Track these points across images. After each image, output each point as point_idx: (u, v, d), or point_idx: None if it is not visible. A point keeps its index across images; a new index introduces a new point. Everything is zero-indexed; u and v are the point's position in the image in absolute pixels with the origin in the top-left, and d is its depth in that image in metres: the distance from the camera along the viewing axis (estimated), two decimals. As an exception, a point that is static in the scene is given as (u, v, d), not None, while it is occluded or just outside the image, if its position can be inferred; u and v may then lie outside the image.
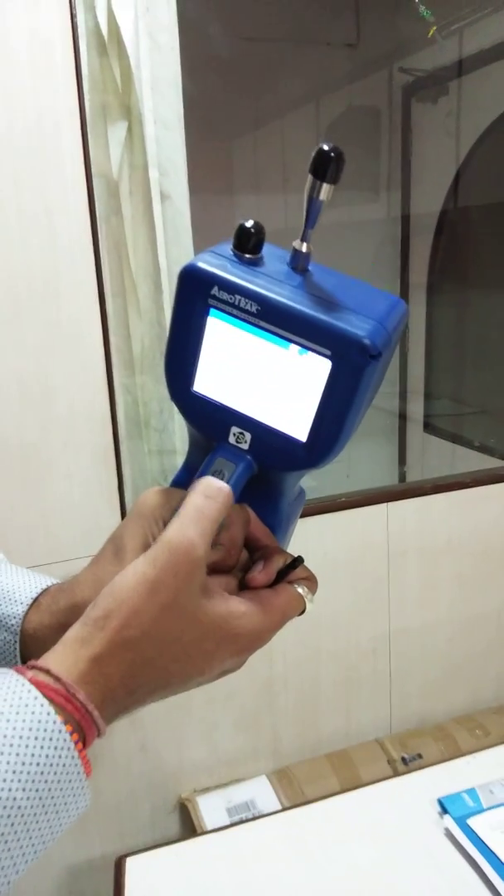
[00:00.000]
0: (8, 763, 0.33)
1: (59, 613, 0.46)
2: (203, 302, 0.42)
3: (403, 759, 1.38)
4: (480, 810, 0.99)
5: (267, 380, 0.43)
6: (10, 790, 0.33)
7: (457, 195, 1.96)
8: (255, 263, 0.44)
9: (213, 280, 0.42)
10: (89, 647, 0.37)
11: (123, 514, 1.17)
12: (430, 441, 2.15)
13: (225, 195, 2.05)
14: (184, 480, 0.47)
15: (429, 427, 2.17)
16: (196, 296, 0.42)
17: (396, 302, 0.45)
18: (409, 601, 1.45)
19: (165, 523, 0.45)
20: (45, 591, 0.49)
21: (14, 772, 0.33)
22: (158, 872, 0.96)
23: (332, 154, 0.40)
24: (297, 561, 0.46)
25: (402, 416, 2.23)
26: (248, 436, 0.44)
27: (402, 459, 2.25)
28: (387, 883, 0.91)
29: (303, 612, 0.45)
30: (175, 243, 1.09)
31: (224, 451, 0.45)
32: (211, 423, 0.45)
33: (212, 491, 0.41)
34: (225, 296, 0.42)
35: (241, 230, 0.43)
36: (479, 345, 2.05)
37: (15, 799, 0.33)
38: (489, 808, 0.99)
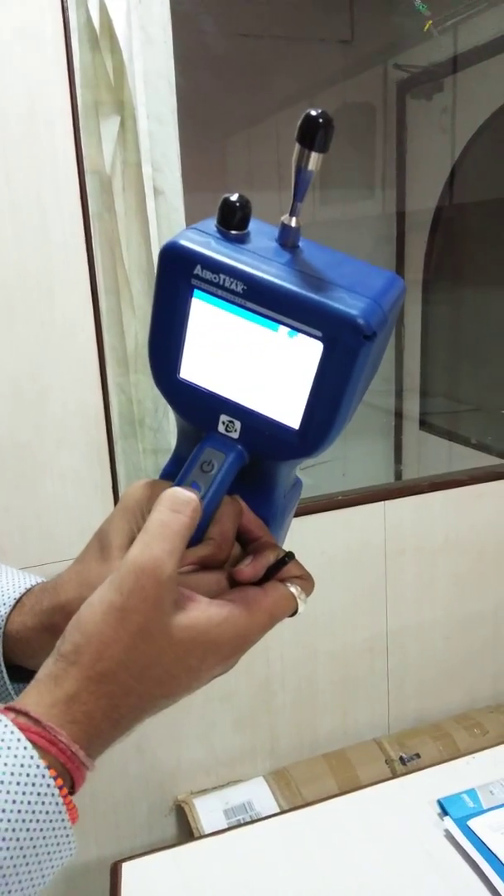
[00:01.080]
0: None
1: (42, 614, 0.45)
2: (186, 282, 0.40)
3: (402, 759, 1.37)
4: (481, 811, 0.98)
5: (256, 364, 0.40)
6: None
7: (452, 192, 1.95)
8: (242, 240, 0.41)
9: (195, 258, 0.39)
10: (63, 685, 0.35)
11: (118, 513, 1.16)
12: (427, 439, 2.14)
13: (219, 192, 2.03)
14: (173, 472, 0.44)
15: (425, 425, 2.17)
16: (178, 276, 0.40)
17: (393, 278, 0.42)
18: (406, 600, 1.45)
19: None
20: (28, 592, 0.47)
21: None
22: (155, 877, 0.95)
23: (321, 120, 0.37)
24: (288, 556, 0.43)
25: (398, 414, 2.23)
26: (237, 424, 0.42)
27: (398, 457, 2.25)
28: (387, 886, 0.90)
29: (294, 613, 0.43)
30: (169, 239, 1.08)
31: (213, 440, 0.43)
32: (199, 412, 0.43)
33: (178, 503, 0.39)
34: (209, 275, 0.39)
35: (226, 204, 0.41)
36: (475, 342, 2.05)
37: None
38: (489, 809, 0.98)
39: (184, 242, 0.40)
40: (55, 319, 1.07)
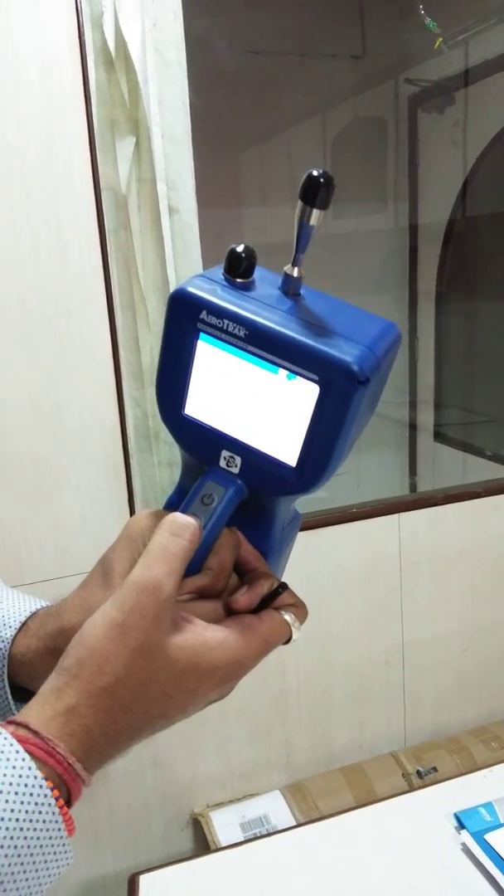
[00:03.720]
0: None
1: (46, 638, 0.46)
2: (192, 326, 0.42)
3: (419, 773, 1.36)
4: (498, 825, 0.98)
5: (257, 404, 0.43)
6: None
7: (464, 204, 1.96)
8: (246, 288, 0.44)
9: (201, 304, 0.42)
10: (64, 698, 0.36)
11: (134, 526, 1.17)
12: (441, 450, 2.14)
13: (233, 208, 2.06)
14: (176, 503, 0.46)
15: (439, 436, 2.16)
16: (185, 320, 0.42)
17: (388, 327, 0.45)
18: (421, 612, 1.44)
19: None
20: (33, 615, 0.49)
21: None
22: (172, 889, 0.95)
23: (322, 180, 0.39)
24: (281, 587, 0.45)
25: (413, 426, 2.23)
26: (238, 460, 0.44)
27: (412, 469, 2.24)
28: (403, 900, 0.89)
29: (289, 640, 0.44)
30: (183, 256, 1.09)
31: (214, 474, 0.45)
32: (201, 447, 0.45)
33: (178, 528, 0.41)
34: (214, 320, 0.42)
35: (232, 255, 0.43)
36: (489, 353, 2.04)
37: None
38: (506, 823, 0.98)
39: (191, 289, 0.42)
40: (72, 335, 1.09)
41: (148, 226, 1.08)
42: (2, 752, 0.34)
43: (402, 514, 1.38)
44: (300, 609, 0.45)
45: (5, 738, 0.35)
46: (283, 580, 0.46)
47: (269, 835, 1.07)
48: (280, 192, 2.05)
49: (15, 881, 0.33)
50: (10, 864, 0.33)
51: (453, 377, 2.13)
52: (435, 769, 1.37)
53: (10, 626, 0.47)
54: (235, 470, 0.44)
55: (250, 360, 0.42)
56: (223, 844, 1.21)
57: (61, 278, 1.06)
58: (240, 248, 0.43)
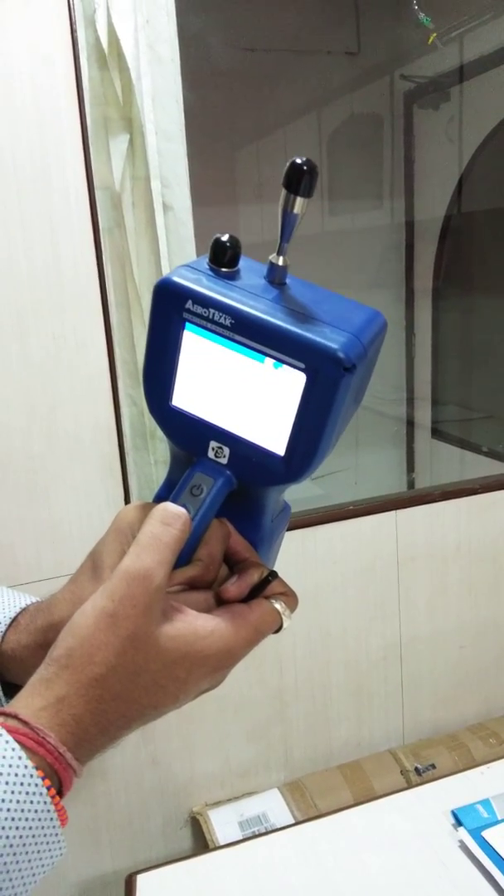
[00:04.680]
0: None
1: (36, 633, 0.46)
2: (178, 316, 0.42)
3: (417, 770, 1.36)
4: (495, 822, 0.98)
5: (244, 394, 0.43)
6: None
7: (460, 200, 1.96)
8: (232, 277, 0.43)
9: (187, 294, 0.42)
10: (54, 687, 0.36)
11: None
12: (439, 447, 2.14)
13: (228, 205, 2.06)
14: (165, 496, 0.46)
15: (437, 433, 2.16)
16: (171, 310, 0.42)
17: (374, 314, 0.45)
18: (419, 609, 1.44)
19: None
20: (23, 610, 0.49)
21: None
22: (170, 888, 0.95)
23: (305, 167, 0.39)
24: (271, 575, 0.45)
25: (410, 423, 2.23)
26: (226, 450, 0.44)
27: (410, 466, 2.24)
28: (402, 897, 0.90)
29: (280, 629, 0.44)
30: (178, 254, 1.09)
31: (203, 465, 0.44)
32: (190, 438, 0.45)
33: (168, 517, 0.41)
34: (199, 309, 0.42)
35: (217, 244, 0.43)
36: (486, 349, 2.04)
37: None
38: (504, 820, 0.98)
39: (176, 279, 0.42)
40: (66, 333, 1.08)
41: (142, 223, 1.08)
42: None
43: (400, 511, 1.37)
44: (290, 598, 0.45)
45: None
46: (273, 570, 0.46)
47: (267, 833, 1.07)
48: (275, 190, 2.02)
49: (7, 871, 0.33)
50: (2, 854, 0.32)
51: (450, 374, 2.13)
52: (433, 766, 1.37)
53: (1, 622, 0.47)
54: (224, 461, 0.44)
55: (236, 350, 0.42)
56: (221, 843, 1.21)
57: (55, 276, 1.06)
58: (224, 238, 0.43)
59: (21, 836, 0.33)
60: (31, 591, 1.23)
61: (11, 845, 0.33)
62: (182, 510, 0.41)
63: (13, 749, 0.34)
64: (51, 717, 0.36)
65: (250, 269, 0.45)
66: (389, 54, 1.98)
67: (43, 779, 0.34)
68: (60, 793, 0.36)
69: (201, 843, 1.29)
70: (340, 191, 2.09)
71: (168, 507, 0.41)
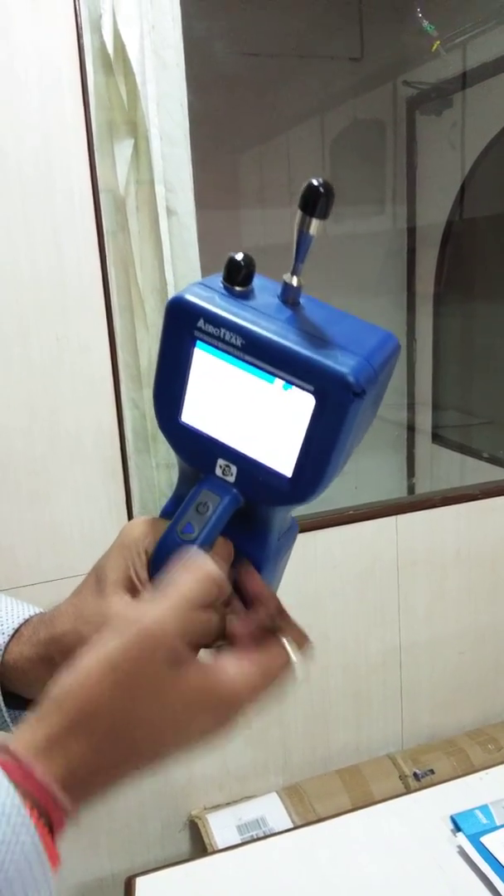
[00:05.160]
0: None
1: (38, 645, 0.45)
2: (190, 334, 0.42)
3: (415, 775, 1.36)
4: (494, 827, 0.98)
5: (253, 413, 0.42)
6: None
7: (462, 206, 1.96)
8: (245, 296, 0.43)
9: (199, 313, 0.42)
10: (46, 725, 0.36)
11: (131, 528, 1.17)
12: (439, 452, 2.14)
13: (231, 210, 2.06)
14: (172, 511, 0.46)
15: (437, 438, 2.16)
16: (183, 328, 0.42)
17: (386, 337, 0.44)
18: (418, 614, 1.44)
19: (148, 555, 0.44)
20: (26, 622, 0.48)
21: None
22: (169, 892, 0.95)
23: (322, 189, 0.39)
24: (281, 618, 0.43)
25: (410, 428, 2.23)
26: (234, 468, 0.44)
27: (410, 471, 2.25)
28: (400, 902, 0.90)
29: (292, 673, 0.42)
30: (181, 258, 1.09)
31: (210, 483, 0.44)
32: (198, 454, 0.45)
33: (205, 578, 0.40)
34: (211, 328, 0.42)
35: (231, 263, 0.43)
36: (487, 355, 2.05)
37: None
38: (503, 826, 0.98)
39: (189, 297, 0.42)
40: (70, 337, 1.09)
41: (146, 227, 1.08)
42: None
43: (400, 516, 1.38)
44: (298, 633, 0.43)
45: None
46: (279, 593, 0.46)
47: (265, 837, 1.07)
48: (278, 194, 2.05)
49: None
50: None
51: (451, 379, 2.13)
52: (432, 771, 1.37)
53: (3, 633, 0.47)
54: (231, 479, 0.44)
55: (247, 370, 0.42)
56: (220, 847, 1.21)
57: (59, 279, 1.06)
58: (239, 257, 0.43)
59: (19, 869, 0.32)
60: (32, 593, 1.23)
61: (8, 877, 0.32)
62: (221, 576, 0.41)
63: (0, 781, 0.33)
64: (39, 751, 0.35)
65: (264, 288, 0.44)
66: (392, 60, 1.99)
67: (31, 809, 0.33)
68: (51, 832, 0.35)
69: (200, 846, 1.29)
70: (342, 196, 2.08)
71: (209, 568, 0.40)
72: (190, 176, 1.08)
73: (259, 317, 0.42)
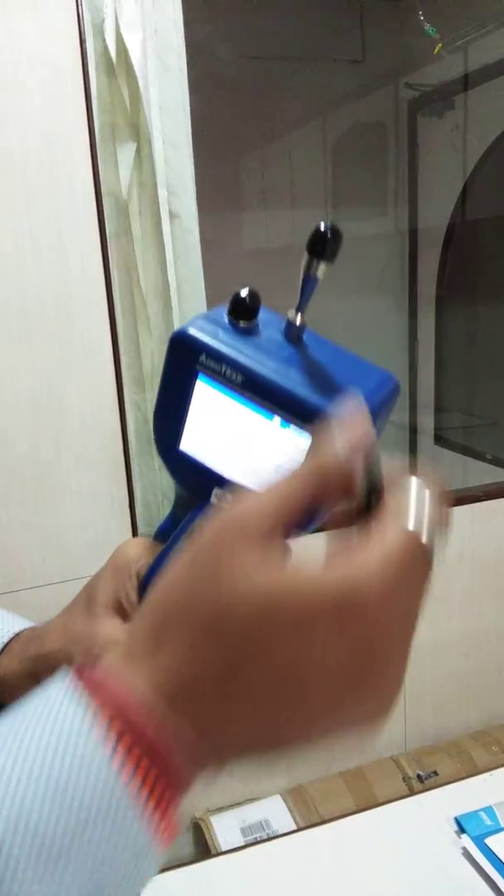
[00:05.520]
0: (33, 781, 0.24)
1: (27, 661, 0.45)
2: (192, 367, 0.43)
3: (419, 777, 1.36)
4: (498, 829, 0.98)
5: (250, 447, 0.43)
6: (35, 816, 0.24)
7: (464, 208, 1.97)
8: (249, 331, 0.44)
9: (201, 348, 0.42)
10: (125, 645, 0.29)
11: (134, 530, 1.17)
12: (442, 454, 2.14)
13: (233, 213, 2.07)
14: (168, 530, 0.47)
15: (440, 440, 2.16)
16: (185, 360, 0.43)
17: (385, 378, 0.45)
18: (422, 616, 1.44)
19: (140, 578, 0.44)
20: (16, 637, 0.48)
21: (43, 793, 0.24)
22: (172, 894, 0.95)
23: (329, 234, 0.40)
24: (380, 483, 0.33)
25: (413, 429, 2.23)
26: (229, 498, 0.44)
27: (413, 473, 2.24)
28: (404, 904, 0.89)
29: (431, 547, 0.30)
30: (184, 261, 1.10)
31: (205, 511, 0.45)
32: (194, 482, 0.45)
33: (332, 468, 0.31)
34: (212, 364, 0.42)
35: (236, 299, 0.44)
36: (489, 357, 2.05)
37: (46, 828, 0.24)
38: (507, 827, 0.98)
39: (192, 331, 0.43)
40: (73, 340, 1.09)
41: (149, 230, 1.08)
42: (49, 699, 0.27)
43: (403, 518, 1.37)
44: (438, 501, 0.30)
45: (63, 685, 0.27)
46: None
47: (269, 839, 1.07)
48: (280, 197, 2.06)
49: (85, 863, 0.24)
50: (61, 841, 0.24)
51: (453, 381, 2.13)
52: (436, 773, 1.37)
53: None
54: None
55: (246, 405, 0.42)
56: (224, 849, 1.21)
57: (63, 283, 1.07)
58: (244, 293, 0.44)
59: (82, 820, 0.25)
60: (35, 595, 1.23)
61: (72, 832, 0.24)
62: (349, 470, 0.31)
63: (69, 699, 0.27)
64: (123, 660, 0.28)
65: (269, 323, 0.45)
66: (394, 63, 1.99)
67: (108, 727, 0.26)
68: (155, 783, 0.26)
69: (203, 848, 1.29)
70: (344, 198, 2.10)
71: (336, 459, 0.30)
72: (192, 179, 1.08)
73: (261, 354, 0.42)
